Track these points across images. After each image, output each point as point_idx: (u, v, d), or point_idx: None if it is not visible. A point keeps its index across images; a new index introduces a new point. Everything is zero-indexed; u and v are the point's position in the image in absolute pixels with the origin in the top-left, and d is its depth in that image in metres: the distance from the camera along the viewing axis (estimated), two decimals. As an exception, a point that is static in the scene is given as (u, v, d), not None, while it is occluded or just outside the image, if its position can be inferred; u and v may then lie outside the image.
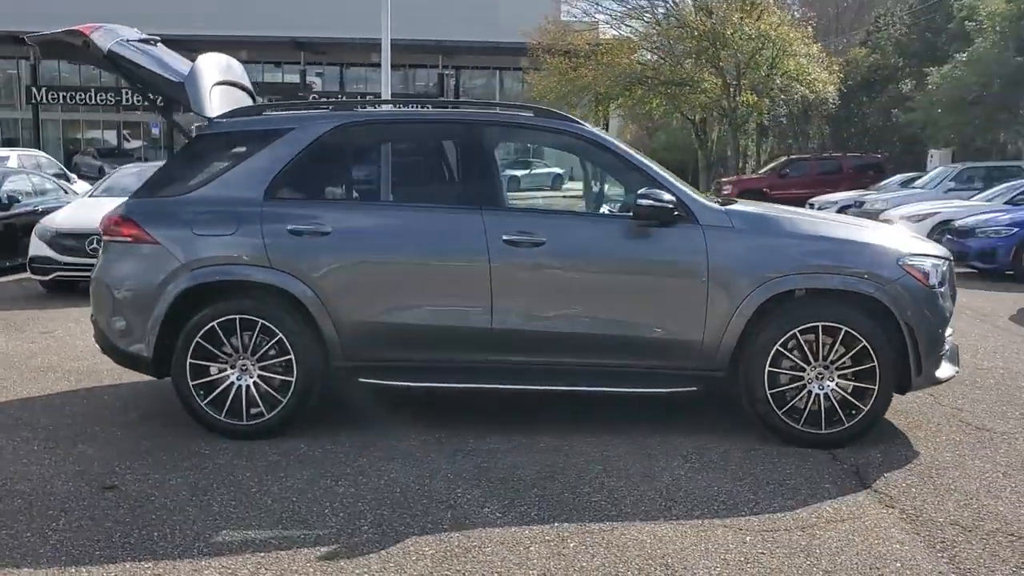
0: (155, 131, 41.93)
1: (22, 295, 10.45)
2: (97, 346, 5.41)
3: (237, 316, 4.97)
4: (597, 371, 5.08)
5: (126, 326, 5.09)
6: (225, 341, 5.01)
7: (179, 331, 5.03)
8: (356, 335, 5.00)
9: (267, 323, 4.95)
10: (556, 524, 3.94)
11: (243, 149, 5.21)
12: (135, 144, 44.93)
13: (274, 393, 5.02)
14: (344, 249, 5.01)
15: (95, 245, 9.85)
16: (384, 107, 5.95)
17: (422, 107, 5.97)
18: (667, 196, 4.89)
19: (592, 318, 5.02)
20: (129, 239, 5.10)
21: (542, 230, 5.00)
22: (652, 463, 4.70)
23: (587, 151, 5.39)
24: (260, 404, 5.01)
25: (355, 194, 5.29)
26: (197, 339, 4.97)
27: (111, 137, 45.40)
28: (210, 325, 4.96)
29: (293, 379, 4.98)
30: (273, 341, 4.98)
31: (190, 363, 5.00)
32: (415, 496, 4.25)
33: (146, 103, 6.12)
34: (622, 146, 5.24)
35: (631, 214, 4.97)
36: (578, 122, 5.31)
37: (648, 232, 4.96)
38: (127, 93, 40.62)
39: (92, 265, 10.07)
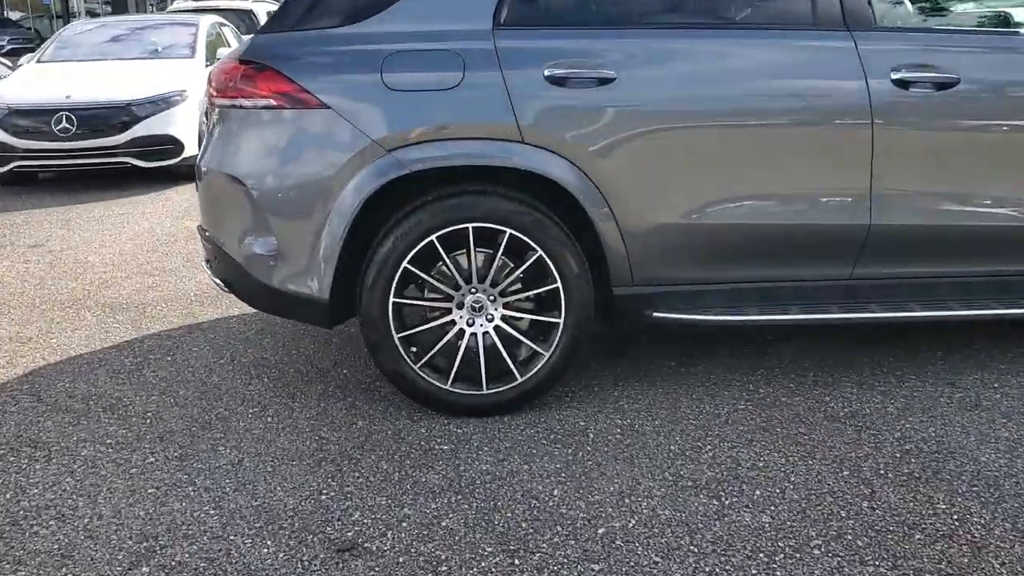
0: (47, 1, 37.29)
1: (-33, 194, 8.03)
2: (215, 281, 3.36)
3: (470, 225, 2.98)
4: (999, 285, 3.31)
5: (278, 250, 3.05)
6: (448, 265, 3.04)
7: (367, 253, 3.04)
8: (655, 246, 3.10)
9: (518, 234, 3.00)
10: None
11: (445, -57, 3.10)
12: (19, 15, 40.20)
13: (528, 343, 3.11)
14: (638, 106, 3.03)
15: (64, 124, 7.51)
16: None
17: None
18: None
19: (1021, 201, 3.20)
20: (272, 101, 3.01)
21: (951, 61, 3.10)
22: None
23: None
24: (508, 361, 3.09)
25: (642, 15, 3.23)
26: (405, 264, 2.99)
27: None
28: (427, 241, 2.98)
29: (560, 319, 3.07)
30: (528, 262, 3.04)
31: (393, 304, 3.02)
32: (913, 517, 2.46)
33: None
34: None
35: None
36: None
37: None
38: (9, -46, 35.70)
39: (61, 151, 7.85)
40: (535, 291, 3.10)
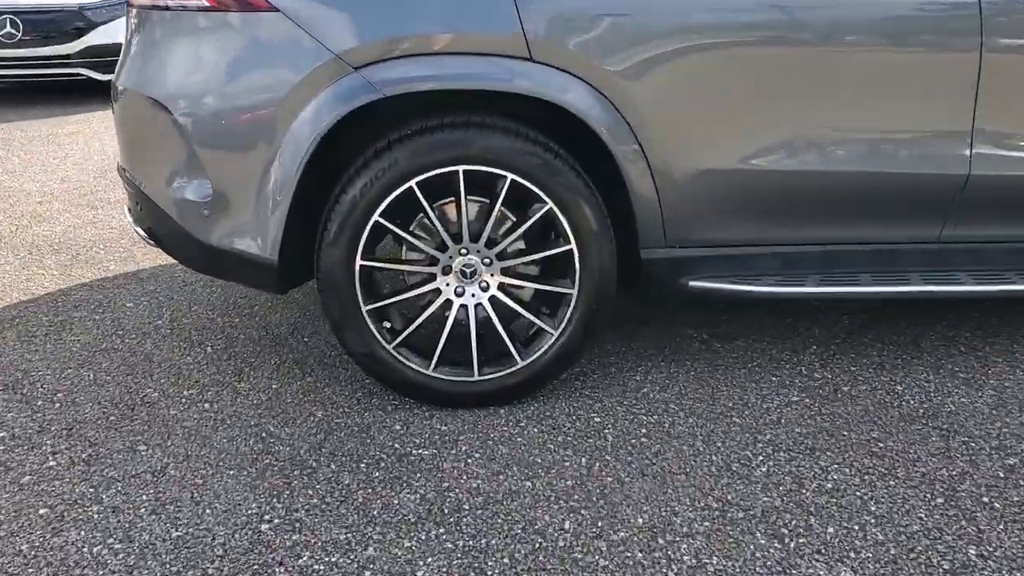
0: None
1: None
2: (139, 233, 2.68)
3: (460, 168, 2.29)
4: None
5: (214, 197, 2.36)
6: (431, 219, 2.36)
7: (327, 202, 2.36)
8: (698, 197, 2.43)
9: (523, 180, 2.31)
10: None
11: None
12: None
13: (531, 318, 2.45)
14: (684, 13, 2.31)
15: (8, 29, 6.70)
16: None
17: None
18: None
19: None
20: (205, 1, 2.29)
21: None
22: None
23: None
24: (506, 340, 2.43)
25: None
26: (376, 217, 2.30)
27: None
28: (405, 187, 2.29)
29: (573, 289, 2.40)
30: (535, 217, 2.36)
31: (360, 268, 2.35)
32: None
33: None
34: None
35: None
36: None
37: None
38: None
39: (5, 60, 7.03)
40: (542, 253, 2.43)
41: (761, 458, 2.29)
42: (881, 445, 2.35)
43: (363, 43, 2.26)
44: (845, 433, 2.40)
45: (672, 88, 2.33)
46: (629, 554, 1.94)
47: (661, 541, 1.98)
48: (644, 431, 2.41)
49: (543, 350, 2.48)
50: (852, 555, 1.94)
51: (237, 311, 3.19)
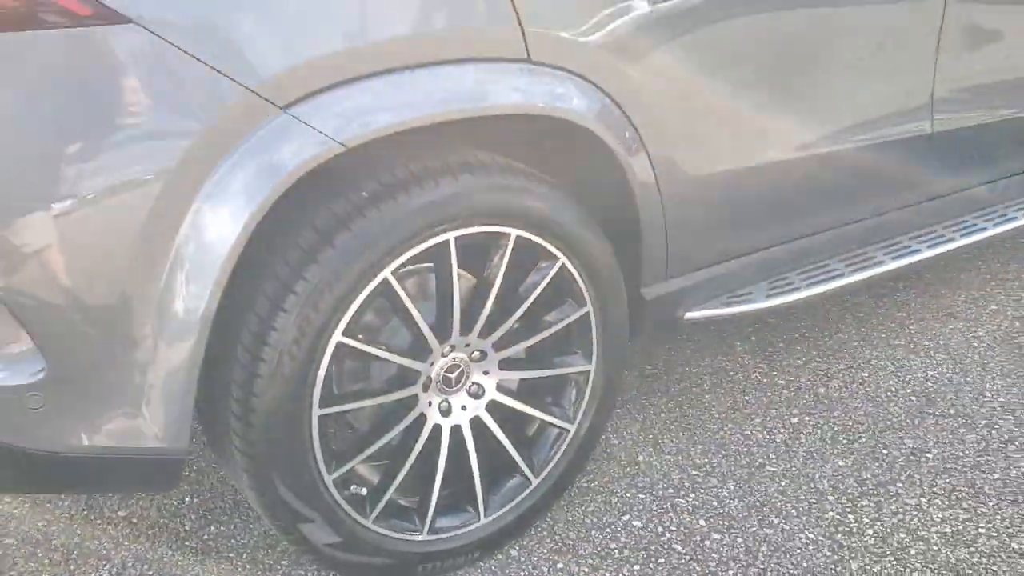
0: None
1: None
2: None
3: (451, 235, 1.51)
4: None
5: (48, 374, 1.31)
6: (412, 315, 1.56)
7: (247, 326, 1.43)
8: (705, 209, 1.95)
9: (527, 233, 1.62)
10: None
11: None
12: None
13: (544, 417, 1.83)
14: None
15: None
16: None
17: None
18: None
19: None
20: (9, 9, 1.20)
21: None
22: None
23: None
24: (515, 457, 1.76)
25: None
26: (339, 337, 1.46)
27: None
28: (377, 283, 1.45)
29: (591, 364, 1.79)
30: (544, 281, 1.67)
31: (320, 418, 1.48)
32: None
33: None
34: None
35: None
36: None
37: None
38: None
39: None
40: (557, 325, 1.74)
41: None
42: None
43: (291, 63, 1.34)
44: None
45: (688, 81, 1.75)
46: None
47: None
48: None
49: (558, 454, 1.81)
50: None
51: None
